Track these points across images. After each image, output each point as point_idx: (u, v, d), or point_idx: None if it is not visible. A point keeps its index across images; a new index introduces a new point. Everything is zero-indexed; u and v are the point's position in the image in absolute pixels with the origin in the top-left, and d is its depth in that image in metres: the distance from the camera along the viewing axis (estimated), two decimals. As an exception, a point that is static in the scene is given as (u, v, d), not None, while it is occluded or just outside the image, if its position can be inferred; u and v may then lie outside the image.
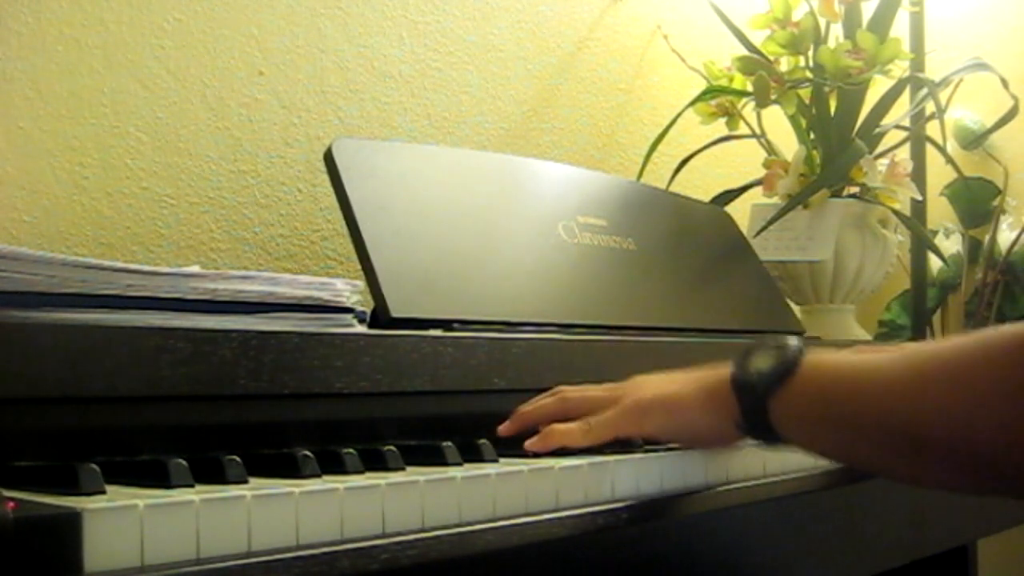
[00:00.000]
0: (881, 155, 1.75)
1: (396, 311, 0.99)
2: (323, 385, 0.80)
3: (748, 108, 1.74)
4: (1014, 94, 1.66)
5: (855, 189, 1.71)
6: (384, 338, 0.86)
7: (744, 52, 1.69)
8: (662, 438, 0.90)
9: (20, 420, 0.67)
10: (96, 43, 1.26)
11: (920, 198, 1.80)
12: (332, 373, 0.81)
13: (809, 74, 1.65)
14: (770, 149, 1.78)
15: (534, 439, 0.86)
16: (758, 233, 1.65)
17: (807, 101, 1.68)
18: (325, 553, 0.61)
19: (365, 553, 0.63)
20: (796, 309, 1.72)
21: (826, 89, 1.66)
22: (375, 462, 0.73)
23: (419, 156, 1.18)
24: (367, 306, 0.99)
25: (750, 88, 1.65)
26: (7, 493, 0.54)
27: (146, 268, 0.85)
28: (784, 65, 1.69)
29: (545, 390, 0.93)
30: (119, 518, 0.55)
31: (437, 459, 0.77)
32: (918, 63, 1.85)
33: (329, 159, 1.08)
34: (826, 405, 0.82)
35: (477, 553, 0.70)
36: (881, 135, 1.76)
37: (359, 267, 1.03)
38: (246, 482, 0.65)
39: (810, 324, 1.68)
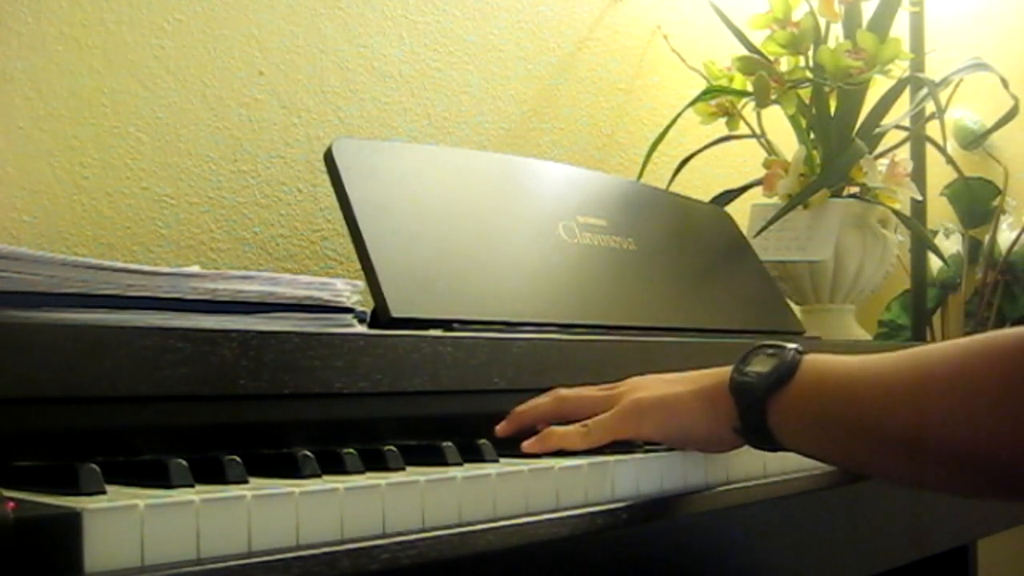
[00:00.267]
0: (881, 155, 1.75)
1: (396, 311, 0.99)
2: (323, 385, 0.80)
3: (748, 108, 1.74)
4: (1014, 94, 1.66)
5: (855, 189, 1.71)
6: (384, 338, 0.86)
7: (744, 52, 1.69)
8: (660, 440, 0.89)
9: (20, 420, 0.67)
10: (96, 43, 1.26)
11: (920, 198, 1.80)
12: (332, 373, 0.81)
13: (809, 74, 1.65)
14: (770, 149, 1.78)
15: (531, 440, 0.86)
16: (758, 233, 1.65)
17: (807, 101, 1.68)
18: (325, 553, 0.61)
19: (365, 553, 0.63)
20: (796, 309, 1.72)
21: (826, 89, 1.66)
22: (375, 462, 0.73)
23: (419, 156, 1.18)
24: (367, 306, 0.99)
25: (750, 88, 1.65)
26: (7, 493, 0.54)
27: (146, 268, 0.85)
28: (784, 65, 1.69)
29: (545, 390, 0.93)
30: (119, 518, 0.54)
31: (437, 459, 0.76)
32: (918, 63, 1.85)
33: (329, 159, 1.08)
34: (825, 408, 0.82)
35: (477, 553, 0.70)
36: (881, 135, 1.76)
37: (359, 267, 1.03)
38: (246, 482, 0.65)
39: (810, 324, 1.68)
